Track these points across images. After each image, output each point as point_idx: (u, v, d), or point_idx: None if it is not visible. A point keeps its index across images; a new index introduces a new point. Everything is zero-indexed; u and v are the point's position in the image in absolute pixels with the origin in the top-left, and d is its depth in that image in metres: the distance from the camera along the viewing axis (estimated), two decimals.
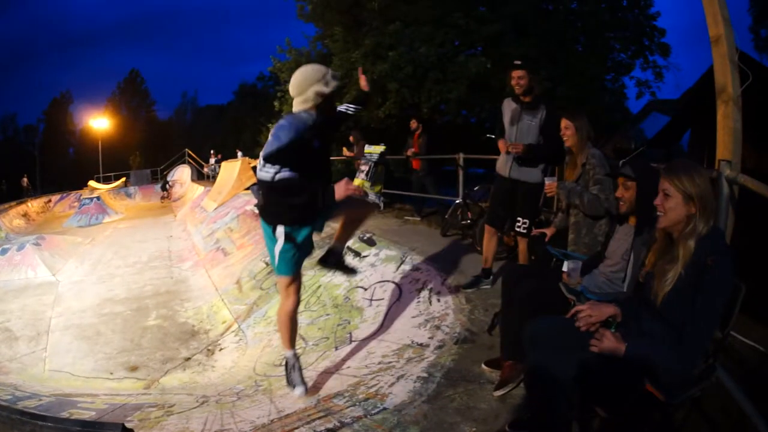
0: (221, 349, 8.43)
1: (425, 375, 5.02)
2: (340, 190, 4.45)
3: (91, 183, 37.00)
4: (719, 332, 3.34)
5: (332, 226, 6.54)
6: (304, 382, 5.40)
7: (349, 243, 9.48)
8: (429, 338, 5.97)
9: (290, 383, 5.41)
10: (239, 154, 31.02)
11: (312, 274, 9.02)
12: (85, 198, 28.32)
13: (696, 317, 3.11)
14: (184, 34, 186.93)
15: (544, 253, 6.03)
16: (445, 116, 20.87)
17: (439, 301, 6.93)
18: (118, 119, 70.25)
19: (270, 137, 4.62)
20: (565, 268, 4.61)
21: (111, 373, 7.72)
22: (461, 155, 11.46)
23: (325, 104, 4.86)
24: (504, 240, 8.25)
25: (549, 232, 6.12)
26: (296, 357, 5.51)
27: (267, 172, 4.49)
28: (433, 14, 19.77)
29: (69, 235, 20.82)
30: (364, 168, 5.20)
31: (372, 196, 5.14)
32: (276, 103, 24.87)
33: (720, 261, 3.08)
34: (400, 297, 7.47)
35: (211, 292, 11.52)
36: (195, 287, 12.44)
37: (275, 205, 4.86)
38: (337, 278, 8.58)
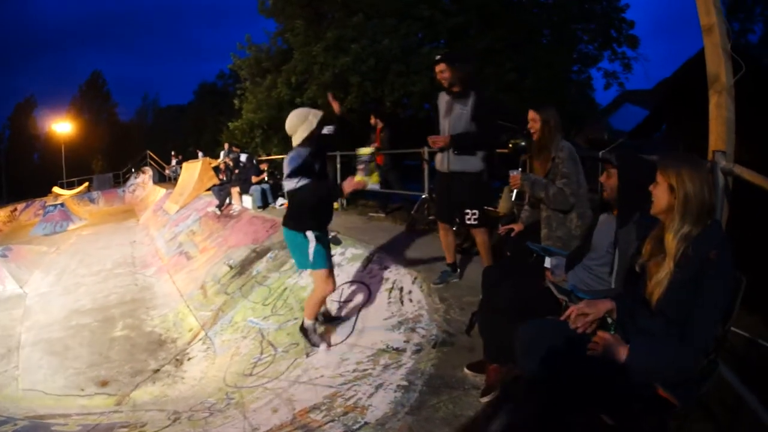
0: (189, 359, 8.28)
1: (405, 383, 4.84)
2: (348, 185, 5.72)
3: (55, 189, 36.35)
4: (720, 327, 3.17)
5: None
6: (325, 340, 6.58)
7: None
8: (405, 342, 5.78)
9: (314, 344, 6.49)
10: (200, 154, 30.65)
11: (277, 276, 8.94)
12: (50, 205, 28.08)
13: (699, 312, 2.96)
14: (146, 33, 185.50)
15: (518, 249, 5.74)
16: (407, 110, 20.54)
17: (411, 301, 6.76)
18: (81, 122, 69.25)
19: (286, 163, 5.80)
20: (547, 265, 4.55)
21: (82, 390, 7.62)
22: (426, 149, 11.04)
23: (313, 138, 5.94)
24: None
25: (516, 227, 5.98)
26: (314, 323, 6.58)
27: (291, 181, 5.62)
28: (397, 6, 19.45)
29: (35, 244, 20.76)
30: (361, 167, 5.66)
31: (372, 185, 5.70)
32: (236, 101, 24.52)
33: (722, 255, 2.94)
34: (370, 297, 7.32)
35: (176, 299, 11.43)
36: (160, 294, 12.35)
37: (302, 213, 6.07)
38: (303, 280, 8.42)
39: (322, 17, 21.22)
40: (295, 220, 6.13)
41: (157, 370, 8.00)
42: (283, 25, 21.64)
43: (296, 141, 5.95)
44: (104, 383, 7.77)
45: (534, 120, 5.54)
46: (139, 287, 13.16)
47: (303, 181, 5.59)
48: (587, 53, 24.42)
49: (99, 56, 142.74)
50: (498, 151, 8.23)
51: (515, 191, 7.61)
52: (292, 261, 9.22)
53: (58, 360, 8.77)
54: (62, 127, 54.19)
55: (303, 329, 6.54)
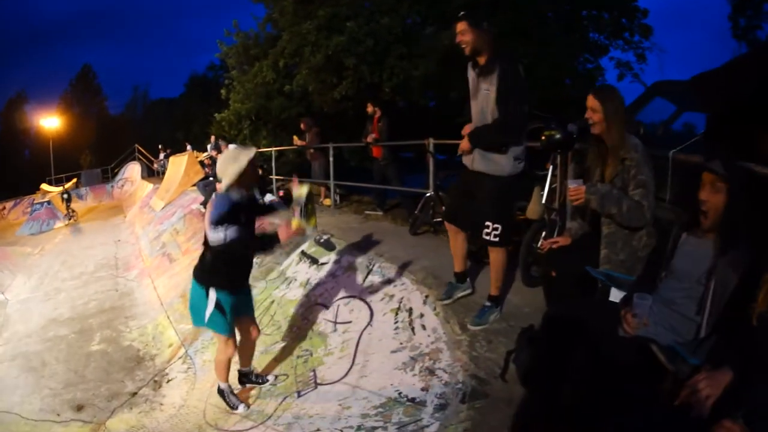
0: (169, 381, 7.54)
1: None
2: (283, 233, 5.09)
3: (43, 186, 35.84)
4: None
5: None
6: (241, 401, 5.90)
7: (304, 247, 8.81)
8: (422, 390, 4.69)
9: (232, 407, 5.86)
10: (188, 147, 30.01)
11: (263, 286, 8.18)
12: (36, 203, 28.15)
13: None
14: (136, 25, 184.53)
15: (566, 271, 4.65)
16: (407, 99, 19.36)
17: (424, 328, 5.64)
18: (71, 117, 68.99)
19: (209, 209, 5.29)
20: (614, 298, 3.82)
21: (58, 415, 7.10)
22: (431, 140, 10.02)
23: (243, 182, 5.36)
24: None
25: (563, 241, 4.88)
26: (229, 385, 5.97)
27: (217, 232, 4.94)
28: None
29: (20, 245, 20.74)
30: (297, 208, 4.86)
31: (309, 230, 4.89)
32: (223, 91, 23.64)
33: None
34: (372, 320, 6.26)
35: (157, 308, 10.77)
36: (140, 301, 11.67)
37: (216, 266, 5.42)
38: (292, 292, 7.60)
39: None
40: (204, 273, 5.56)
41: (134, 393, 7.39)
42: (273, 5, 20.69)
43: (224, 184, 5.35)
44: (80, 407, 7.21)
45: (594, 109, 4.44)
46: (119, 293, 12.60)
47: (232, 233, 4.95)
48: (596, 42, 23.44)
49: (90, 49, 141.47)
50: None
51: (546, 191, 6.58)
52: (280, 268, 8.46)
53: (35, 378, 8.30)
54: (50, 122, 53.87)
55: (219, 392, 6.02)
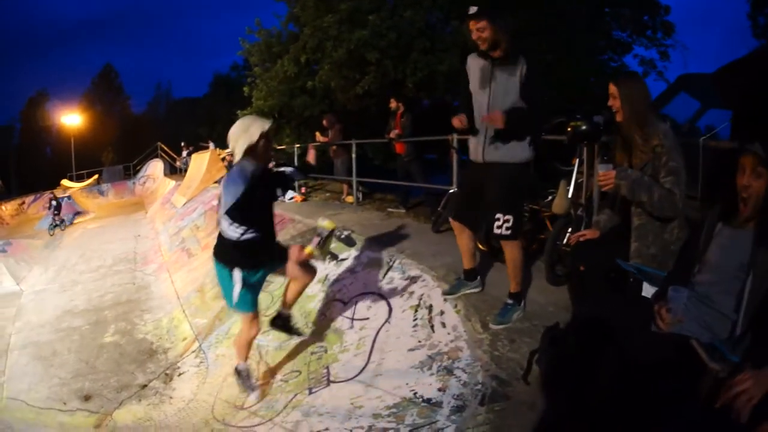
0: (180, 375, 7.48)
1: None
2: (293, 255, 5.35)
3: (64, 182, 36.47)
4: None
5: None
6: (256, 387, 5.88)
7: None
8: (439, 390, 4.41)
9: (248, 388, 5.83)
10: (211, 144, 29.99)
11: (282, 281, 7.89)
12: (55, 198, 27.36)
13: None
14: (158, 27, 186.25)
15: (595, 265, 4.41)
16: (432, 95, 19.02)
17: (444, 325, 5.34)
18: (93, 115, 69.80)
19: (223, 187, 5.12)
20: (646, 294, 3.61)
21: (64, 403, 7.06)
22: (455, 136, 9.51)
23: (255, 152, 5.19)
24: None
25: (590, 234, 4.62)
26: (248, 366, 5.93)
27: (232, 227, 4.94)
28: None
29: (38, 238, 20.88)
30: (316, 239, 4.74)
31: (318, 260, 4.87)
32: (245, 89, 23.29)
33: None
34: (390, 316, 6.00)
35: (173, 301, 10.75)
36: (156, 295, 11.67)
37: (233, 249, 5.19)
38: (310, 288, 7.07)
39: None
40: (224, 254, 5.38)
41: (144, 386, 7.33)
42: (294, 2, 20.58)
43: (237, 156, 5.23)
44: (87, 397, 7.17)
45: (613, 96, 4.28)
46: (137, 286, 12.60)
47: (248, 236, 5.00)
48: (619, 40, 23.23)
49: (112, 49, 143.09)
50: (547, 137, 6.90)
51: (572, 186, 6.39)
52: None
53: (44, 367, 8.27)
54: (72, 119, 54.74)
55: (236, 371, 5.91)
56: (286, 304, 6.07)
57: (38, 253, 17.49)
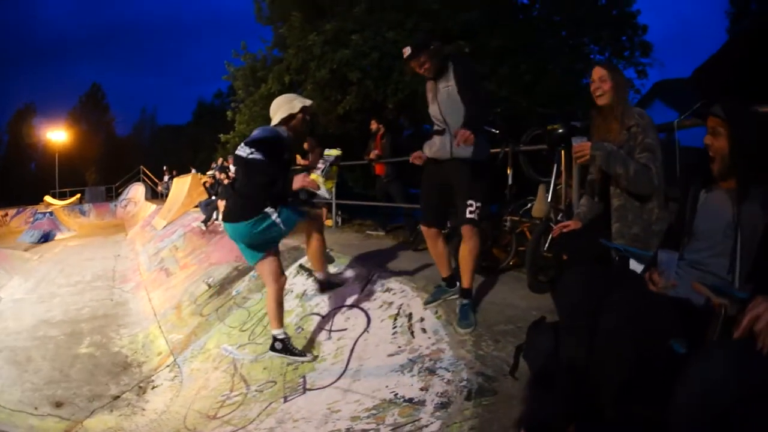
0: (154, 388, 7.35)
1: None
2: (298, 180, 5.15)
3: (47, 198, 36.59)
4: None
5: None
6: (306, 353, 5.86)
7: (303, 261, 8.53)
8: (422, 390, 4.30)
9: (297, 354, 5.82)
10: (192, 171, 30.10)
11: (258, 297, 7.98)
12: (39, 212, 28.95)
13: None
14: (146, 51, 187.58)
15: (580, 251, 4.49)
16: (412, 116, 18.55)
17: (424, 331, 5.27)
18: (78, 133, 70.05)
19: (256, 132, 5.27)
20: (635, 266, 3.73)
21: (35, 408, 6.93)
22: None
23: (290, 124, 5.48)
24: (493, 252, 6.89)
25: (573, 224, 4.69)
26: (286, 333, 5.91)
27: (244, 150, 5.03)
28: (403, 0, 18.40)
29: (20, 250, 20.95)
30: (321, 166, 4.75)
31: (323, 191, 4.76)
32: (229, 113, 23.57)
33: None
34: (369, 326, 5.93)
35: (150, 318, 10.71)
36: (134, 311, 11.58)
37: (252, 194, 5.32)
38: (288, 303, 7.22)
39: (322, 13, 20.20)
40: (242, 208, 5.39)
41: (117, 397, 7.21)
42: (282, 22, 20.74)
43: (273, 122, 5.49)
44: (59, 404, 7.05)
45: (603, 79, 4.43)
46: (114, 302, 12.54)
47: (255, 155, 4.99)
48: (597, 61, 23.29)
49: (99, 70, 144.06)
50: (523, 148, 7.23)
51: (551, 190, 6.48)
52: None
53: (18, 372, 8.21)
54: (57, 135, 54.77)
55: (274, 344, 5.84)
56: (317, 269, 6.40)
57: (19, 264, 17.54)
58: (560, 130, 5.78)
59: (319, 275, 6.27)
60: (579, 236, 4.59)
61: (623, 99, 4.45)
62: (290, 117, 5.39)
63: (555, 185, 6.58)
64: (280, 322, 5.81)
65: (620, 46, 23.43)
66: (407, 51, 5.30)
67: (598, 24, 22.31)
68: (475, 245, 5.31)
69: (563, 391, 3.39)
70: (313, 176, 5.05)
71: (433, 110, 5.50)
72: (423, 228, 5.74)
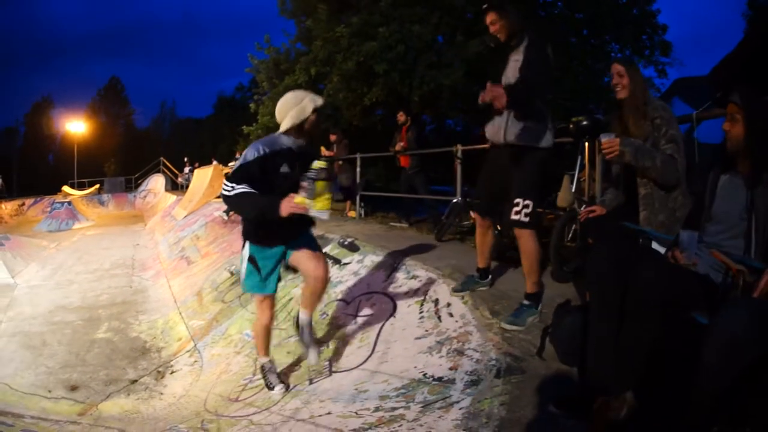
0: (173, 372, 7.34)
1: None
2: (284, 206, 4.44)
3: (65, 188, 36.64)
4: None
5: None
6: (282, 381, 5.40)
7: (327, 249, 8.49)
8: (451, 369, 4.27)
9: (269, 386, 5.37)
10: (214, 162, 30.05)
11: (282, 284, 7.81)
12: (57, 202, 28.72)
13: None
14: (166, 46, 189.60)
15: (605, 236, 4.53)
16: (436, 110, 19.05)
17: (451, 315, 5.21)
18: (97, 126, 70.59)
19: (245, 153, 4.78)
20: (658, 247, 3.92)
21: (49, 391, 6.88)
22: (459, 147, 10.01)
23: (303, 130, 4.96)
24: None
25: (599, 210, 4.77)
26: (271, 361, 5.56)
27: (227, 189, 4.62)
28: None
29: (37, 238, 20.78)
30: (305, 184, 4.47)
31: (314, 212, 4.45)
32: (252, 106, 23.82)
33: None
34: (395, 312, 5.87)
35: (170, 305, 10.64)
36: (153, 298, 11.53)
37: (246, 224, 5.07)
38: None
39: (347, 6, 20.15)
40: (243, 226, 5.18)
41: (134, 381, 7.17)
42: (305, 15, 20.70)
43: (282, 128, 4.95)
44: (74, 388, 7.01)
45: (620, 74, 4.55)
46: (133, 290, 12.49)
47: (239, 189, 4.58)
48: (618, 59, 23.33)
49: (118, 64, 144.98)
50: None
51: (576, 181, 6.48)
52: None
53: (32, 355, 8.15)
54: (76, 126, 55.13)
55: (261, 369, 5.56)
56: (305, 306, 5.36)
57: (36, 251, 17.43)
58: (584, 122, 5.84)
59: (303, 315, 5.30)
60: (604, 221, 4.70)
61: (642, 92, 4.53)
62: (303, 122, 4.89)
63: (579, 177, 6.60)
64: (264, 351, 5.53)
65: (641, 45, 23.55)
66: (484, 5, 5.09)
67: (618, 23, 22.38)
68: (528, 249, 4.97)
69: (591, 366, 3.48)
70: (297, 199, 4.54)
71: (502, 81, 5.06)
72: (476, 216, 5.61)
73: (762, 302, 2.63)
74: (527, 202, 4.84)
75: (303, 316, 5.26)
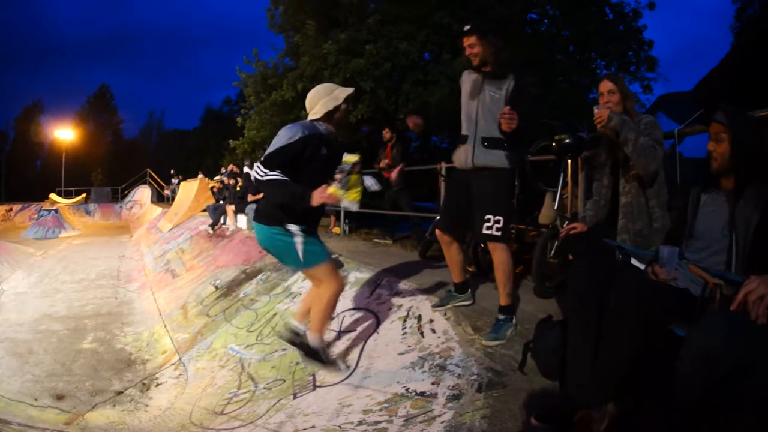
0: (158, 385, 7.29)
1: None
2: (316, 196, 4.48)
3: (52, 196, 36.68)
4: None
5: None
6: (337, 362, 5.33)
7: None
8: (433, 384, 4.35)
9: (331, 364, 5.26)
10: (200, 175, 30.10)
11: (266, 300, 8.01)
12: (44, 209, 28.88)
13: None
14: (155, 56, 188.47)
15: (584, 252, 4.56)
16: (424, 125, 18.85)
17: (434, 331, 5.31)
18: (85, 133, 70.20)
19: (280, 135, 4.71)
20: (637, 263, 3.82)
21: (36, 399, 6.90)
22: (443, 164, 10.01)
23: (334, 119, 5.00)
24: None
25: (579, 227, 4.89)
26: (324, 342, 5.28)
27: (261, 174, 4.59)
28: (416, 13, 18.56)
29: (24, 245, 20.89)
30: (338, 176, 4.49)
31: (347, 203, 4.46)
32: (239, 120, 23.58)
33: None
34: (378, 327, 5.94)
35: (155, 317, 10.67)
36: (138, 310, 11.54)
37: (275, 205, 4.88)
38: (296, 305, 7.30)
39: (335, 23, 20.47)
40: (268, 215, 4.95)
41: (120, 393, 7.14)
42: (294, 30, 20.84)
43: (312, 116, 4.99)
44: (60, 397, 7.02)
45: (612, 92, 4.68)
46: (119, 301, 12.50)
47: (273, 175, 4.55)
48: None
49: (108, 72, 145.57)
50: (531, 158, 7.34)
51: (558, 198, 6.60)
52: (285, 284, 8.32)
53: (19, 363, 8.17)
54: (65, 133, 54.95)
55: (311, 351, 5.10)
56: (314, 329, 5.15)
57: (23, 258, 17.54)
58: (567, 140, 5.79)
59: (312, 338, 5.12)
60: (584, 237, 4.80)
61: (631, 108, 4.68)
62: (335, 110, 4.94)
63: (561, 194, 6.68)
64: (322, 329, 5.16)
65: (626, 61, 23.85)
66: (466, 27, 5.24)
67: (605, 39, 22.66)
68: (501, 261, 5.13)
69: (571, 379, 3.52)
70: (330, 190, 4.47)
71: (469, 108, 5.32)
72: (438, 233, 5.72)
73: (738, 314, 2.69)
74: (498, 217, 5.02)
75: (314, 342, 5.09)
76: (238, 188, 17.28)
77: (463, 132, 5.33)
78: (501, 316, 5.09)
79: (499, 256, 5.13)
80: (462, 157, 5.29)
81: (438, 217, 8.70)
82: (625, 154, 4.48)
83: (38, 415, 6.41)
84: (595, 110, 4.58)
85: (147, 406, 6.69)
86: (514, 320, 5.12)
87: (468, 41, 5.19)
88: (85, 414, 6.47)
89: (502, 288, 5.15)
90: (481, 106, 5.19)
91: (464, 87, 5.44)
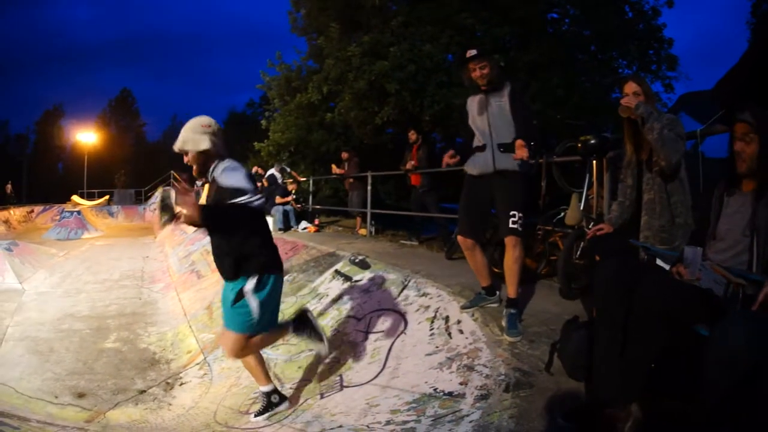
0: (182, 384, 7.30)
1: None
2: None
3: (74, 197, 36.68)
4: None
5: None
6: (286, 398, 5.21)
7: (338, 266, 8.64)
8: (461, 384, 4.37)
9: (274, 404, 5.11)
10: None
11: (293, 301, 7.96)
12: (66, 211, 28.71)
13: None
14: (178, 60, 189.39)
15: (611, 252, 4.51)
16: (446, 129, 18.99)
17: (461, 332, 5.34)
18: (107, 137, 70.78)
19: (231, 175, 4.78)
20: (662, 263, 3.82)
21: (56, 397, 6.85)
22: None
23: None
24: (526, 261, 6.79)
25: (606, 228, 4.88)
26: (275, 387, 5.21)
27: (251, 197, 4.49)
28: (438, 15, 18.59)
29: (45, 246, 20.71)
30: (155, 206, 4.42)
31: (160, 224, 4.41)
32: (263, 122, 23.88)
33: None
34: (406, 328, 5.98)
35: (179, 318, 10.59)
36: (163, 311, 11.47)
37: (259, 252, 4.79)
38: (323, 306, 7.42)
39: (358, 26, 20.46)
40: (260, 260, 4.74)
41: (143, 391, 7.11)
42: (316, 33, 20.85)
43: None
44: (81, 395, 6.96)
45: (637, 93, 4.67)
46: (143, 301, 12.41)
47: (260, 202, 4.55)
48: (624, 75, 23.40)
49: (130, 76, 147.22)
50: (556, 159, 7.47)
51: (583, 200, 6.64)
52: (312, 285, 8.32)
53: (39, 361, 8.11)
54: (87, 136, 55.77)
55: (264, 396, 5.15)
56: (261, 383, 5.25)
57: (45, 259, 17.44)
58: (592, 141, 6.01)
59: (264, 388, 5.17)
60: (610, 238, 4.81)
61: (655, 108, 4.59)
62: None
63: (587, 195, 6.70)
64: (266, 379, 5.15)
65: (647, 60, 23.74)
66: (472, 52, 5.48)
67: (625, 38, 22.63)
68: (519, 255, 5.38)
69: (597, 379, 3.56)
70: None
71: (481, 122, 5.64)
72: (460, 239, 5.81)
73: (760, 314, 2.71)
74: (520, 214, 5.35)
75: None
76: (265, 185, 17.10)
77: (478, 143, 5.68)
78: (513, 310, 5.26)
79: (519, 250, 5.41)
80: (481, 163, 5.61)
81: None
82: (649, 151, 4.57)
83: (58, 413, 6.38)
84: (622, 101, 4.63)
85: (170, 405, 6.68)
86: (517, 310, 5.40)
87: (480, 64, 5.52)
88: (106, 412, 6.45)
89: (513, 281, 5.37)
90: (491, 118, 5.57)
91: (471, 110, 5.83)
